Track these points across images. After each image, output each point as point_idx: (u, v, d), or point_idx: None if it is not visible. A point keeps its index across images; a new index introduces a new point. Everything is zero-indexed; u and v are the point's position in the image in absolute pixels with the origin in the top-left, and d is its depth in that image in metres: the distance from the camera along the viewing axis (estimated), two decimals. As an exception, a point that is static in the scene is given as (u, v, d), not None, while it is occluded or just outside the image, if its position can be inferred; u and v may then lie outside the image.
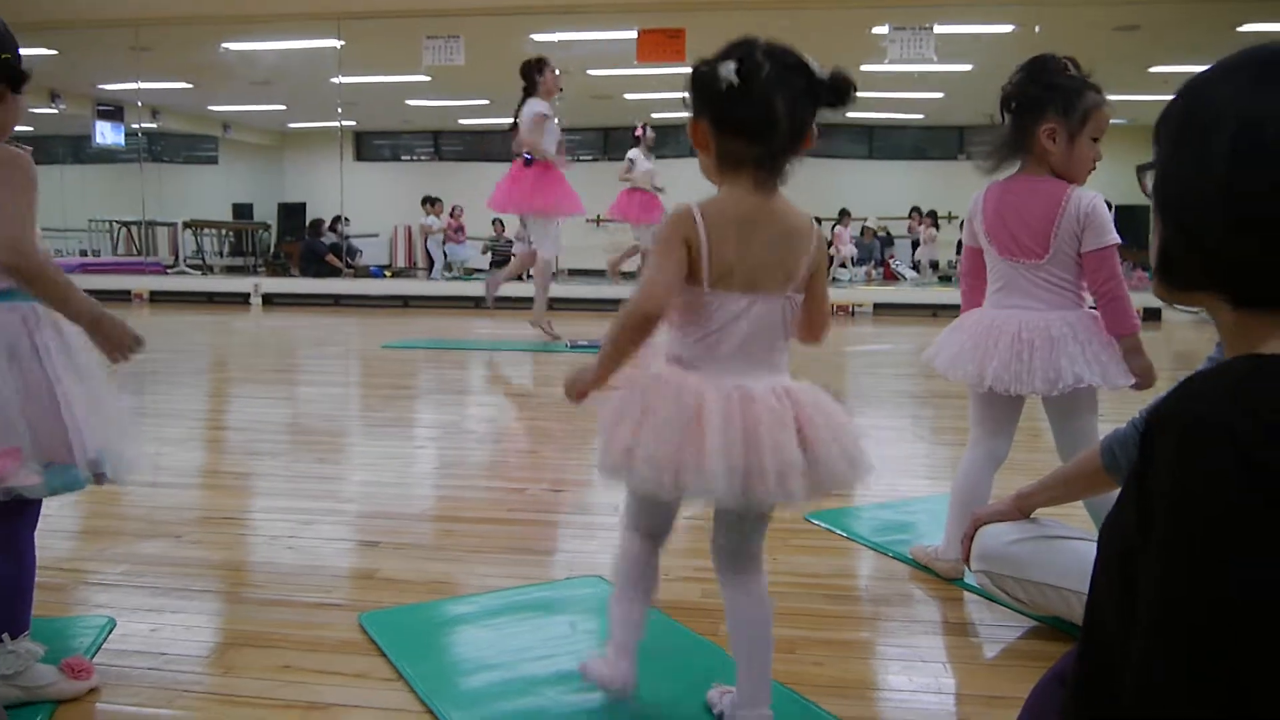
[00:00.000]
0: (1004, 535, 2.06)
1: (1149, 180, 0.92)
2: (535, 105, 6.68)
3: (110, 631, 1.97)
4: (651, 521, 1.62)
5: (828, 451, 1.43)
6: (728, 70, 1.37)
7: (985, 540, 2.06)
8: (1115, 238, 2.21)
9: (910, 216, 14.06)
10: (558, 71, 7.00)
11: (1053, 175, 2.24)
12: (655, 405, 1.41)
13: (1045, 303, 2.24)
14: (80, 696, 1.71)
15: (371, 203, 14.65)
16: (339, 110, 12.32)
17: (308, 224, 13.71)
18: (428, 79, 12.08)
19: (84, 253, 14.17)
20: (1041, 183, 2.23)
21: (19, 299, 1.64)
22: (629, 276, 8.51)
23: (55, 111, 13.05)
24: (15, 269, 1.59)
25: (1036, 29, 9.81)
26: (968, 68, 10.53)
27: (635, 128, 9.11)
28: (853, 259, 13.43)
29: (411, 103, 14.86)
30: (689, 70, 1.45)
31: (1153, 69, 11.56)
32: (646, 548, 1.63)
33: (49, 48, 11.32)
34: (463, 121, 16.46)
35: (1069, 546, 1.98)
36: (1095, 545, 1.91)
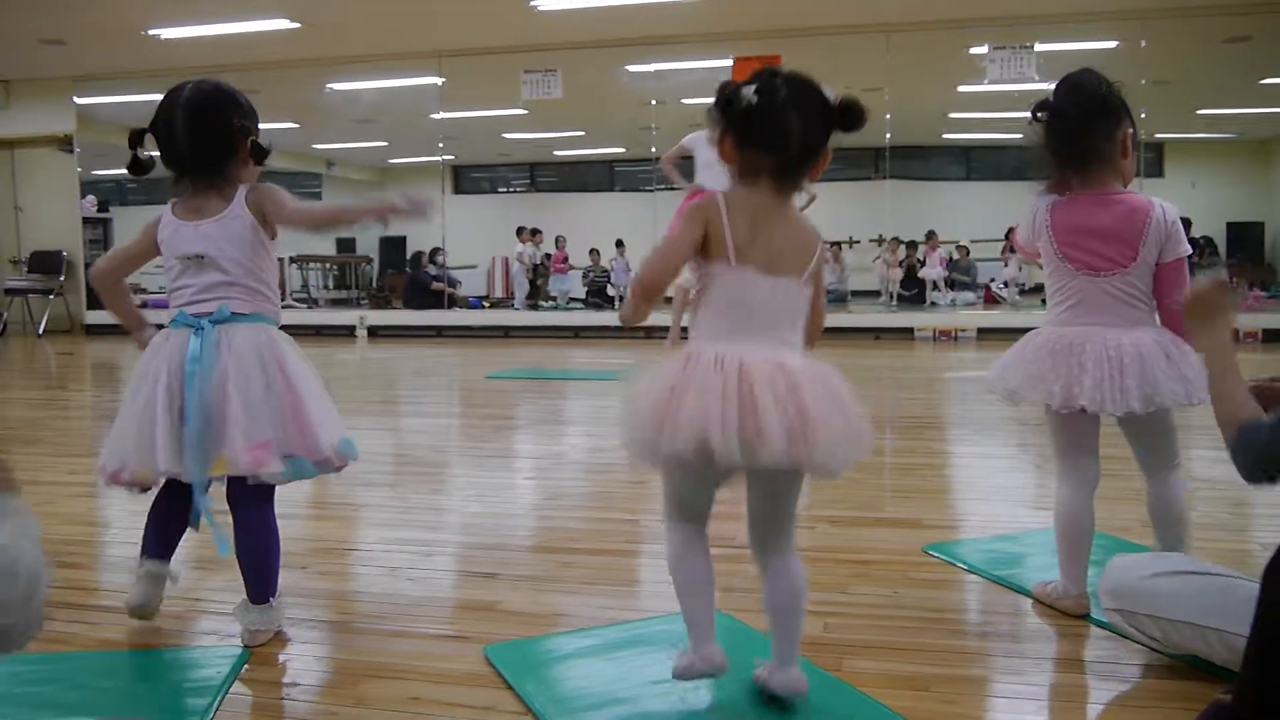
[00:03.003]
0: (1137, 570, 1.99)
1: None
2: None
3: (245, 662, 2.02)
4: (689, 502, 1.71)
5: (828, 424, 1.53)
6: (748, 91, 1.57)
7: (1118, 576, 2.00)
8: (1189, 249, 2.21)
9: (1007, 238, 13.74)
10: (654, 102, 7.10)
11: (1121, 185, 2.24)
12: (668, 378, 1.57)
13: (1123, 317, 2.20)
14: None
15: (469, 235, 14.88)
16: (440, 145, 12.57)
17: (409, 257, 14.01)
18: (524, 112, 12.27)
19: (197, 289, 14.66)
20: (1120, 193, 2.23)
21: (264, 320, 2.12)
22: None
23: (170, 154, 13.54)
24: (311, 220, 2.18)
25: (1142, 43, 9.58)
26: (1070, 85, 10.32)
27: None
28: (944, 281, 13.17)
29: (508, 136, 15.11)
30: (717, 90, 1.63)
31: (1264, 81, 11.20)
32: (691, 533, 1.72)
33: (164, 93, 11.79)
34: (558, 153, 16.68)
35: (1207, 583, 1.91)
36: (1237, 581, 1.86)
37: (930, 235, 13.25)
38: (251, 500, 2.12)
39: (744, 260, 1.58)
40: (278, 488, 2.16)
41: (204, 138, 2.10)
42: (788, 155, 1.59)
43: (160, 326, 2.18)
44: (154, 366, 2.07)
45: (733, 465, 1.54)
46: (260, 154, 2.17)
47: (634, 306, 1.62)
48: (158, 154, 2.16)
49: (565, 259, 14.22)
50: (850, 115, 1.59)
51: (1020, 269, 13.04)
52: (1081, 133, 2.23)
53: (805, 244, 1.65)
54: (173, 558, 2.24)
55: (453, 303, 12.33)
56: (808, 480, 1.71)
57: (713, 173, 8.61)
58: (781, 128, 1.57)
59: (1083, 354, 2.19)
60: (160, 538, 2.22)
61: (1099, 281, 2.22)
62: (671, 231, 1.62)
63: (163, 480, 2.11)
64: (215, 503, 2.15)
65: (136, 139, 2.13)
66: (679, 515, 1.73)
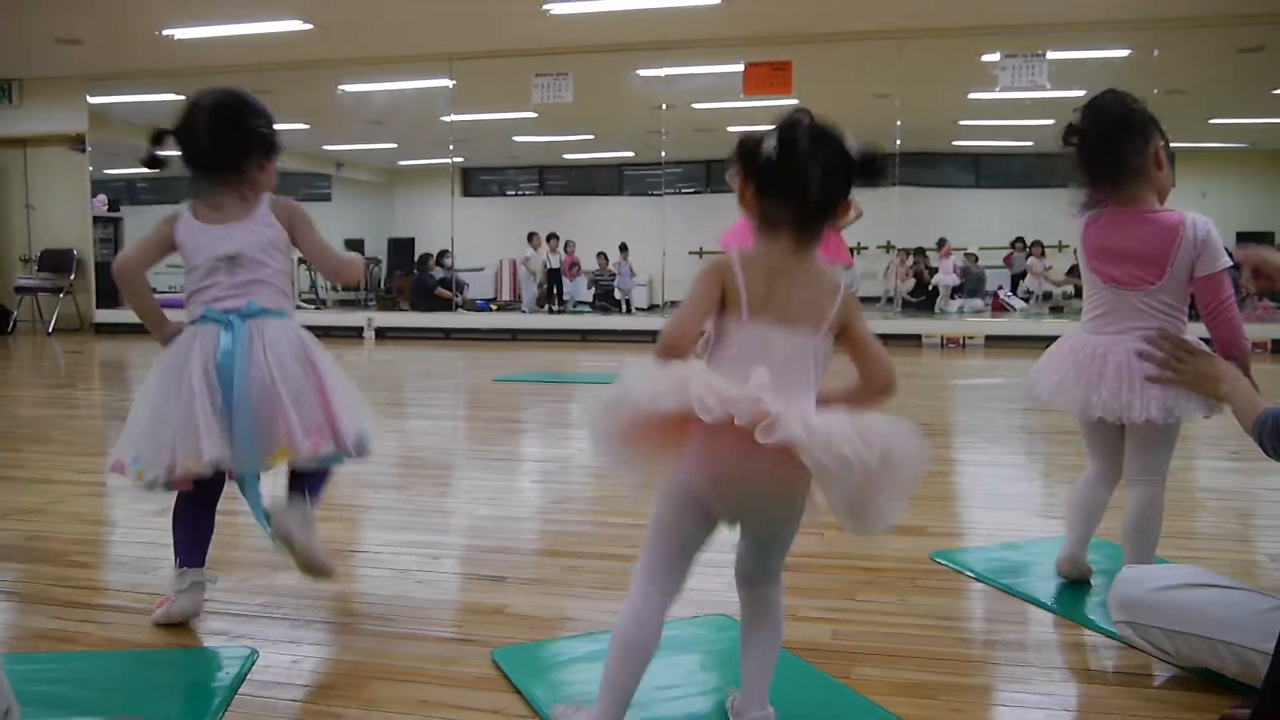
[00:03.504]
0: (1147, 582, 1.99)
1: None
2: None
3: (254, 663, 2.02)
4: (675, 554, 1.62)
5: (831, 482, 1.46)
6: (769, 144, 1.57)
7: (1128, 588, 2.00)
8: (1227, 261, 2.22)
9: (1013, 246, 13.71)
10: (664, 106, 7.02)
11: (1157, 199, 2.28)
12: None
13: (1151, 328, 2.25)
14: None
15: (477, 237, 14.91)
16: (450, 148, 12.60)
17: (417, 259, 14.03)
18: (534, 115, 12.30)
19: (206, 288, 14.66)
20: (1153, 210, 2.26)
21: (284, 316, 2.22)
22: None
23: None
24: (336, 275, 2.34)
25: (1155, 53, 9.56)
26: (1081, 93, 10.27)
27: None
28: (955, 289, 13.15)
29: (518, 139, 15.12)
30: (737, 141, 1.62)
31: (1277, 91, 11.18)
32: (655, 602, 1.61)
33: (177, 93, 11.82)
34: (567, 156, 16.69)
35: (1218, 595, 1.90)
36: (1248, 594, 1.86)
37: (942, 242, 13.24)
38: (308, 477, 2.27)
39: (758, 314, 1.56)
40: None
41: (223, 137, 2.20)
42: (807, 205, 1.57)
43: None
44: (187, 362, 2.12)
45: (735, 508, 1.53)
46: (269, 149, 2.27)
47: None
48: (172, 154, 2.25)
49: (574, 264, 14.23)
50: (871, 167, 1.59)
51: (1040, 275, 13.02)
52: (1108, 152, 2.28)
53: (825, 295, 1.60)
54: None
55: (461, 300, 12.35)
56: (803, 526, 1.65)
57: None
58: (801, 178, 1.56)
59: (1104, 364, 2.25)
60: (197, 544, 2.26)
61: (1128, 295, 2.27)
62: (691, 292, 1.59)
63: (191, 482, 2.13)
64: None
65: (157, 137, 2.23)
66: (657, 575, 1.61)
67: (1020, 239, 13.56)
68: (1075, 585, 2.50)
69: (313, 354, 2.20)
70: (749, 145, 1.60)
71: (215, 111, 2.21)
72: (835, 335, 1.61)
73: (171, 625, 2.23)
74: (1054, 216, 13.90)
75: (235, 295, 2.18)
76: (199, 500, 2.21)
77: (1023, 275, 13.53)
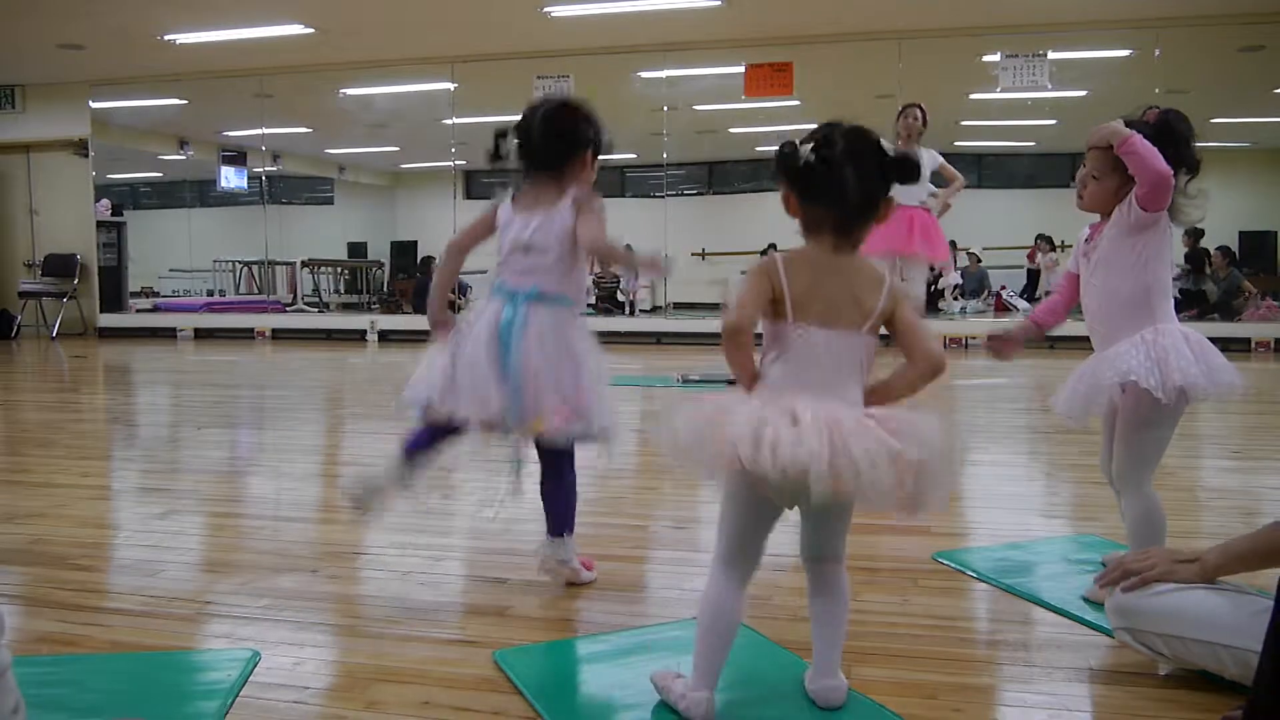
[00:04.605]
0: (1144, 588, 1.98)
1: None
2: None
3: (255, 665, 2.03)
4: (747, 544, 1.74)
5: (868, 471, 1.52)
6: (806, 150, 1.64)
7: (1124, 595, 1.99)
8: None
9: (1035, 245, 13.65)
10: (665, 108, 6.94)
11: None
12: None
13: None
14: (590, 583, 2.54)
15: (481, 240, 14.89)
16: (452, 150, 12.61)
17: (420, 261, 14.04)
18: (536, 118, 12.28)
19: (209, 292, 14.72)
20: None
21: (565, 302, 2.44)
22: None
23: (184, 158, 13.67)
24: (597, 252, 2.54)
25: (1156, 52, 9.56)
26: (1082, 93, 10.32)
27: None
28: (960, 290, 13.14)
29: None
30: (777, 150, 1.68)
31: (1279, 90, 11.18)
32: (736, 585, 1.74)
33: (180, 97, 11.86)
34: (569, 159, 16.68)
35: (1216, 597, 1.90)
36: (1245, 596, 1.85)
37: (949, 245, 13.18)
38: (555, 454, 2.51)
39: (801, 316, 1.63)
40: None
41: (551, 139, 2.47)
42: (847, 206, 1.64)
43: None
44: (477, 325, 2.41)
45: (793, 495, 1.60)
46: (592, 150, 2.54)
47: (727, 356, 1.64)
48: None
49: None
50: (904, 167, 1.66)
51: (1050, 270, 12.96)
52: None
53: (869, 291, 1.66)
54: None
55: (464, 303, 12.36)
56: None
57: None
58: (839, 183, 1.62)
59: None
60: (424, 447, 2.49)
61: None
62: (744, 282, 1.66)
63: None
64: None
65: (501, 134, 2.51)
66: (733, 560, 1.74)
67: (1042, 236, 13.48)
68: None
69: (575, 344, 2.40)
70: (788, 152, 1.66)
71: (548, 116, 2.48)
72: (884, 324, 1.67)
73: (170, 627, 2.24)
74: (1057, 216, 13.97)
75: (524, 276, 2.43)
76: (443, 432, 2.46)
77: (1036, 274, 13.49)
